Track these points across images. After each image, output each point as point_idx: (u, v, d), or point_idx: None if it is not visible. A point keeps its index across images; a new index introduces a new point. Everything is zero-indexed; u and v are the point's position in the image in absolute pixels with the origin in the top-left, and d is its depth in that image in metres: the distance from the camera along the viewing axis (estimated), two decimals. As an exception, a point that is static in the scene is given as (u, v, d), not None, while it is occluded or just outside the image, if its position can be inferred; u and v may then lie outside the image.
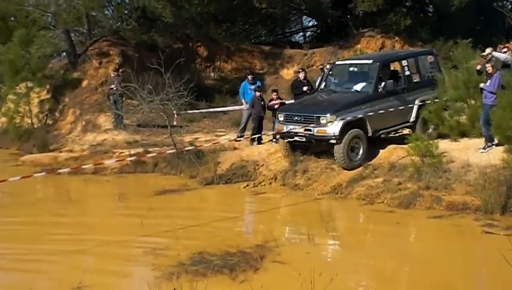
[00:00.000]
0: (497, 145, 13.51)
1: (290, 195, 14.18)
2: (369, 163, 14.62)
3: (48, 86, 25.35)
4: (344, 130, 14.35)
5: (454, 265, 9.31)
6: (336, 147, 14.47)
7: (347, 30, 28.91)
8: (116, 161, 17.36)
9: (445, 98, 15.24)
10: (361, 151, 14.73)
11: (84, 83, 25.38)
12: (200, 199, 14.78)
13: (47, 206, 14.78)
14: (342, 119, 14.39)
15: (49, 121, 24.48)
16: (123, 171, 17.80)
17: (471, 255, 10.21)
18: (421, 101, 15.79)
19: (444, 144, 14.14)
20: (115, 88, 20.93)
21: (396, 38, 27.72)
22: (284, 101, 17.54)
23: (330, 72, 16.88)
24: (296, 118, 15.14)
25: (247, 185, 15.30)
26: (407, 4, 30.24)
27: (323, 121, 14.43)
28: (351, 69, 16.46)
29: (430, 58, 16.90)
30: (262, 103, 17.53)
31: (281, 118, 15.51)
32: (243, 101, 18.91)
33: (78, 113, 23.92)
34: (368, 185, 13.65)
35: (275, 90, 17.91)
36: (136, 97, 18.50)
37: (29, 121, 23.91)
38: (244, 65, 28.30)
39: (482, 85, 13.70)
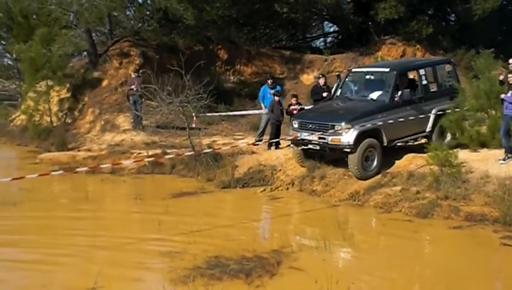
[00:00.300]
0: (517, 157, 13.36)
1: (307, 201, 14.11)
2: (387, 171, 14.51)
3: (68, 85, 25.54)
4: (359, 139, 14.16)
5: (472, 276, 9.21)
6: (350, 156, 14.32)
7: (368, 37, 28.91)
8: (134, 162, 17.36)
9: (466, 107, 15.09)
10: (375, 161, 14.57)
11: (104, 83, 25.52)
12: (216, 202, 14.73)
13: (64, 205, 14.88)
14: (357, 128, 14.20)
15: (68, 120, 24.65)
16: (140, 172, 17.81)
17: (489, 266, 10.09)
18: (438, 111, 15.55)
19: (463, 154, 13.99)
20: (135, 89, 20.96)
21: (418, 46, 27.68)
22: (303, 106, 17.50)
23: (346, 79, 16.65)
24: (310, 125, 14.95)
25: (264, 190, 15.25)
26: (429, 12, 30.12)
27: (338, 130, 14.27)
28: (368, 76, 16.31)
29: (448, 67, 16.67)
30: (281, 107, 17.47)
31: (296, 125, 15.37)
32: (262, 105, 18.82)
33: (97, 112, 24.03)
34: (385, 193, 13.55)
35: (295, 96, 17.87)
36: (156, 98, 18.52)
37: (49, 119, 24.10)
38: (264, 69, 28.34)
39: (503, 96, 13.56)
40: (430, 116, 15.48)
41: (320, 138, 14.60)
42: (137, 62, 25.85)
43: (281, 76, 27.58)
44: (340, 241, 10.67)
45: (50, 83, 24.30)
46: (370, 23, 29.37)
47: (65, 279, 9.19)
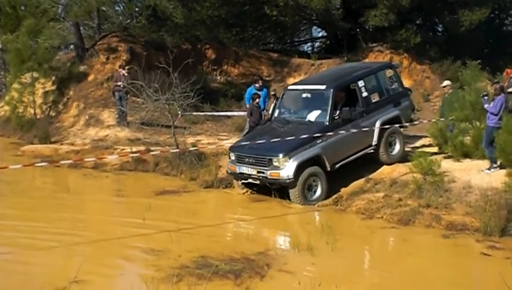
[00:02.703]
0: (500, 167, 13.46)
1: (290, 204, 14.06)
2: (370, 177, 14.58)
3: (53, 78, 25.34)
4: (299, 170, 13.54)
5: (451, 284, 9.26)
6: (290, 190, 13.77)
7: (356, 43, 29.02)
8: (119, 157, 17.29)
9: (451, 117, 15.17)
10: (319, 189, 13.97)
11: (90, 77, 25.40)
12: (199, 201, 14.67)
13: (44, 198, 14.74)
14: (295, 159, 13.58)
15: (52, 113, 24.47)
16: (123, 168, 17.74)
17: (468, 275, 10.16)
18: (382, 122, 14.92)
19: (446, 163, 14.07)
20: (121, 85, 20.87)
21: (405, 55, 27.91)
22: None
23: (283, 98, 15.89)
24: (247, 159, 14.26)
25: (247, 191, 15.20)
26: (418, 22, 30.31)
27: (275, 163, 13.64)
28: (304, 95, 15.51)
29: (390, 72, 15.96)
30: (260, 110, 17.42)
31: (233, 158, 14.68)
32: (248, 106, 18.83)
33: (81, 107, 23.90)
34: (368, 199, 13.60)
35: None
36: (142, 95, 18.48)
37: (32, 112, 23.90)
38: (252, 71, 28.40)
39: (486, 106, 13.67)
40: (374, 129, 14.83)
41: (259, 172, 13.99)
42: (124, 58, 25.74)
43: (267, 78, 27.58)
44: (324, 245, 10.69)
45: (35, 75, 24.10)
46: (358, 30, 29.59)
47: (45, 274, 9.10)
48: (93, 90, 24.56)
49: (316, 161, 13.90)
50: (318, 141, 13.86)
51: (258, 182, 14.31)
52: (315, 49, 34.15)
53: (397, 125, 15.32)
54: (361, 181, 14.56)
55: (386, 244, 11.58)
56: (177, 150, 16.80)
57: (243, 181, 14.73)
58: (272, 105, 17.24)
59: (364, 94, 14.92)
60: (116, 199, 14.92)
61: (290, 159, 13.54)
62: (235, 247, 10.51)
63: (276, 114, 15.71)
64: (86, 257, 9.75)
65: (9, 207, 13.56)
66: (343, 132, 14.22)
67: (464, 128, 15.01)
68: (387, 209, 12.99)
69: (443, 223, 12.10)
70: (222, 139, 19.93)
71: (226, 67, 29.23)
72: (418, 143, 16.89)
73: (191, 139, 19.05)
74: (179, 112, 18.63)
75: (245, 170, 14.23)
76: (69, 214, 13.16)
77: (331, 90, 14.53)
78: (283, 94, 16.02)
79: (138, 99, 20.13)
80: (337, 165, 14.25)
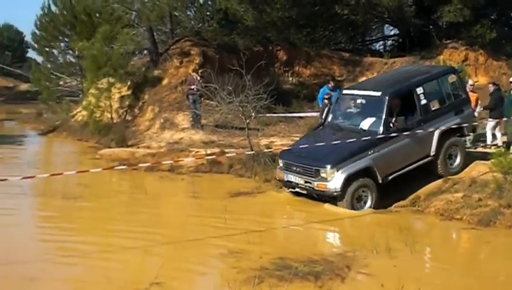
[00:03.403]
0: None
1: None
2: (448, 177, 14.27)
3: (128, 83, 25.88)
4: (347, 183, 12.97)
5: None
6: (339, 202, 13.24)
7: (429, 40, 28.50)
8: (195, 159, 17.46)
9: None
10: (369, 201, 13.33)
11: (165, 82, 25.80)
12: (274, 203, 14.63)
13: (123, 200, 15.03)
14: (344, 171, 12.99)
15: (129, 117, 24.98)
16: (198, 170, 17.88)
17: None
18: (441, 131, 14.07)
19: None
20: (195, 88, 21.12)
21: (481, 51, 27.33)
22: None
23: (337, 102, 15.44)
24: (294, 167, 13.78)
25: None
26: (493, 17, 29.57)
27: (323, 175, 13.10)
28: (358, 101, 14.85)
29: (452, 77, 14.99)
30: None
31: (281, 164, 14.33)
32: (321, 107, 18.75)
33: (156, 110, 24.30)
34: (447, 200, 13.29)
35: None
36: (215, 98, 18.64)
37: (109, 116, 24.47)
38: (323, 71, 28.29)
39: None
40: (433, 138, 14.03)
41: (306, 182, 13.50)
42: (197, 61, 26.05)
43: (339, 78, 27.41)
44: (402, 246, 10.54)
45: (111, 80, 24.69)
46: (431, 26, 29.06)
47: (126, 274, 9.28)
48: (168, 94, 24.95)
49: (366, 172, 13.27)
50: (370, 152, 13.26)
51: (305, 191, 13.83)
52: (387, 48, 33.78)
53: (459, 135, 14.62)
54: (439, 181, 14.23)
55: (466, 246, 11.36)
56: (251, 152, 16.85)
57: (291, 190, 14.35)
58: (326, 109, 16.63)
59: (423, 102, 14.08)
60: (192, 200, 15.01)
61: (338, 170, 12.96)
62: (312, 248, 10.48)
63: (329, 119, 15.19)
64: (165, 258, 9.85)
65: (88, 209, 13.86)
66: (397, 142, 13.54)
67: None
68: (466, 209, 12.67)
69: (526, 224, 11.78)
70: (295, 140, 19.88)
71: (297, 68, 29.22)
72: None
73: (264, 141, 19.10)
74: (252, 114, 18.68)
75: (292, 178, 13.84)
76: (147, 215, 13.38)
77: (387, 97, 13.79)
78: (337, 98, 15.64)
79: (212, 102, 20.33)
80: (390, 177, 13.60)
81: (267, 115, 21.66)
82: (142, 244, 10.80)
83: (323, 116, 15.97)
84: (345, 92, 15.94)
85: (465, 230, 12.02)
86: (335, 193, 13.04)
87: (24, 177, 12.76)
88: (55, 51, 33.57)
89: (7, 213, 13.11)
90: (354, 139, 13.17)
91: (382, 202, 13.62)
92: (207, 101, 21.41)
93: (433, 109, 14.27)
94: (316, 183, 13.21)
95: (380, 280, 8.65)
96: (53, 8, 32.36)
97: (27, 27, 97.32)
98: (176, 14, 29.84)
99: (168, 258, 9.92)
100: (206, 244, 10.91)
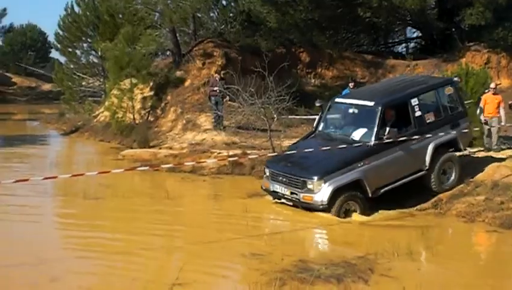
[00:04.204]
0: None
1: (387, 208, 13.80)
2: (471, 180, 14.15)
3: (151, 84, 25.99)
4: (335, 195, 12.32)
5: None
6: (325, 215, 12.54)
7: (452, 43, 28.35)
8: (217, 160, 17.46)
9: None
10: (358, 212, 12.70)
11: (187, 83, 25.90)
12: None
13: (144, 201, 15.00)
14: (331, 183, 12.31)
15: (151, 118, 25.10)
16: (220, 171, 17.86)
17: None
18: (436, 145, 13.51)
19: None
20: (217, 90, 21.16)
21: (503, 54, 27.12)
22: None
23: (329, 111, 14.59)
24: (281, 177, 13.11)
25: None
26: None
27: (310, 186, 12.42)
28: (351, 110, 14.12)
29: (449, 89, 14.33)
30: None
31: (267, 174, 13.66)
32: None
33: (179, 111, 24.39)
34: (468, 203, 13.20)
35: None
36: (238, 99, 18.66)
37: (131, 117, 24.58)
38: (346, 73, 28.27)
39: None
40: (427, 151, 13.45)
41: (292, 193, 12.80)
42: (219, 63, 26.13)
43: (362, 80, 27.40)
44: (424, 249, 10.48)
45: (134, 81, 24.79)
46: (454, 29, 28.89)
47: (148, 275, 9.28)
48: (190, 95, 25.04)
49: (356, 185, 12.62)
50: (360, 164, 12.62)
51: (291, 203, 13.13)
52: (409, 50, 33.64)
53: (455, 150, 14.10)
54: (461, 184, 14.15)
55: (488, 248, 11.25)
56: (274, 154, 16.81)
57: (277, 201, 13.67)
58: (317, 117, 15.78)
59: (418, 113, 13.44)
60: (214, 201, 15.06)
61: (325, 182, 12.30)
62: (333, 251, 10.47)
63: (320, 128, 14.47)
64: (187, 259, 9.89)
65: (110, 209, 13.91)
66: (389, 154, 12.97)
67: None
68: (488, 212, 12.56)
69: (549, 227, 11.66)
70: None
71: (320, 70, 29.24)
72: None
73: (286, 143, 19.02)
74: (275, 116, 18.67)
75: (278, 188, 13.16)
76: (168, 216, 13.39)
77: (380, 107, 13.15)
78: (329, 106, 14.68)
79: (234, 104, 20.34)
80: (382, 191, 12.94)
81: (289, 116, 21.63)
82: (163, 244, 10.85)
83: (315, 125, 15.20)
84: (337, 100, 15.01)
85: (487, 233, 11.91)
86: (321, 206, 12.41)
87: (46, 178, 12.88)
88: (78, 52, 33.89)
89: (29, 212, 13.23)
90: (344, 150, 12.75)
91: (403, 205, 13.55)
92: (229, 103, 21.43)
93: (428, 121, 13.66)
94: (302, 194, 12.55)
95: (402, 282, 8.60)
96: (76, 8, 32.69)
97: (50, 27, 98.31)
98: (199, 15, 29.94)
99: (189, 258, 9.96)
100: (227, 246, 10.89)
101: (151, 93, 25.92)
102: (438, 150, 13.57)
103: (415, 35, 34.41)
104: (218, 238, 11.30)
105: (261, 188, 14.06)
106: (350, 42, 31.61)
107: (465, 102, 15.20)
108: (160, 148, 21.10)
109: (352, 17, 28.59)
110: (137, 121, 24.56)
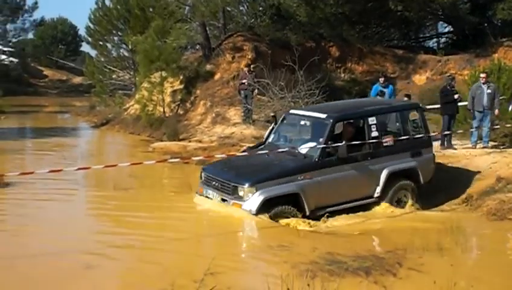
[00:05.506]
0: None
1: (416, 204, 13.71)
2: (502, 177, 14.01)
3: (181, 77, 26.13)
4: (264, 207, 11.12)
5: None
6: None
7: (484, 38, 28.04)
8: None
9: None
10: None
11: (217, 76, 25.99)
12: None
13: (172, 192, 15.08)
14: (263, 192, 11.15)
15: (180, 111, 25.24)
16: (249, 164, 17.90)
17: None
18: (390, 172, 12.42)
19: None
20: (246, 83, 21.19)
21: (536, 50, 26.73)
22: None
23: (283, 122, 13.54)
24: (214, 182, 12.00)
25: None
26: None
27: (240, 193, 11.30)
28: (303, 122, 13.12)
29: (414, 114, 13.50)
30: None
31: (203, 178, 12.53)
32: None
33: (208, 105, 24.49)
34: (499, 200, 13.00)
35: (408, 95, 17.56)
36: (268, 93, 18.69)
37: (161, 110, 24.72)
38: (376, 68, 28.16)
39: None
40: (380, 178, 12.36)
41: (222, 200, 11.70)
42: (249, 57, 26.20)
43: (392, 75, 27.26)
44: (453, 245, 10.41)
45: (164, 74, 24.92)
46: (486, 24, 28.61)
47: (180, 265, 9.35)
48: (220, 89, 25.12)
49: (293, 199, 11.46)
50: (299, 177, 11.49)
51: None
52: (441, 45, 33.35)
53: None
54: (492, 180, 13.99)
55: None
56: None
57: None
58: (269, 128, 15.18)
59: (374, 134, 12.31)
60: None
61: (257, 191, 11.17)
62: (361, 245, 10.36)
63: (270, 139, 13.54)
64: (217, 250, 9.92)
65: (138, 200, 13.93)
66: (335, 173, 11.89)
67: None
68: (519, 210, 12.47)
69: None
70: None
71: (350, 64, 29.17)
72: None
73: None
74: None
75: (210, 194, 12.03)
76: (198, 207, 13.39)
77: (331, 120, 12.08)
78: (283, 118, 13.66)
79: (263, 98, 20.36)
80: (323, 212, 11.70)
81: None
82: (192, 235, 10.85)
83: (265, 136, 14.53)
84: (291, 111, 13.99)
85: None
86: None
87: (79, 168, 13.02)
88: (108, 45, 33.99)
89: (60, 202, 13.39)
90: (288, 160, 12.00)
91: (433, 201, 13.40)
92: (259, 96, 21.46)
93: (385, 144, 12.52)
94: (231, 201, 11.48)
95: (432, 277, 8.55)
96: (107, 2, 32.84)
97: (81, 21, 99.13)
98: (229, 9, 30.04)
99: (219, 250, 9.97)
100: (256, 237, 10.93)
101: (181, 86, 26.07)
102: (393, 178, 12.52)
103: (446, 30, 34.23)
104: (245, 231, 11.32)
105: (196, 193, 12.82)
106: (380, 37, 31.51)
107: (500, 98, 14.84)
108: (189, 141, 21.23)
109: (382, 11, 28.49)
110: (167, 114, 24.71)
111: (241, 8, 31.66)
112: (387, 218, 12.40)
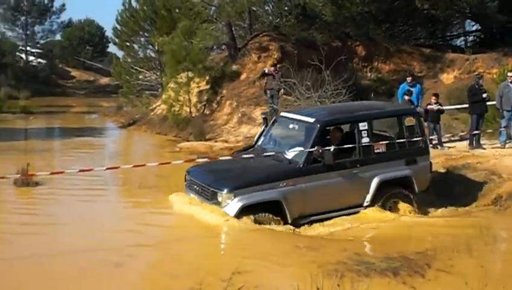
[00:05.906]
0: None
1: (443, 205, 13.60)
2: (532, 176, 13.89)
3: (207, 77, 26.23)
4: (244, 214, 10.62)
5: None
6: None
7: (512, 37, 27.78)
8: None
9: None
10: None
11: (243, 76, 26.06)
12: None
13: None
14: (242, 199, 10.62)
15: (207, 111, 25.34)
16: (276, 164, 17.89)
17: None
18: (382, 180, 11.78)
19: None
20: (273, 83, 21.18)
21: None
22: (442, 107, 17.07)
23: (273, 125, 13.08)
24: (195, 186, 11.58)
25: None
26: None
27: (219, 198, 10.78)
28: (291, 126, 12.43)
29: (410, 120, 12.76)
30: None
31: (186, 181, 12.12)
32: (400, 103, 18.48)
33: (234, 105, 24.55)
34: (529, 200, 12.97)
35: (436, 94, 17.44)
36: (294, 92, 18.67)
37: (188, 110, 24.85)
38: (403, 67, 28.04)
39: None
40: (370, 186, 11.71)
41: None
42: (275, 56, 26.17)
43: (419, 74, 27.08)
44: (482, 246, 10.32)
45: (190, 74, 25.05)
46: (514, 22, 28.33)
47: (208, 263, 9.35)
48: (246, 89, 25.16)
49: (274, 207, 10.91)
50: (282, 184, 10.92)
51: None
52: (468, 44, 33.09)
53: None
54: (521, 179, 13.88)
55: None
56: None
57: None
58: (259, 131, 14.40)
59: (365, 140, 11.67)
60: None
61: (235, 197, 10.67)
62: (390, 246, 10.28)
63: (259, 142, 12.98)
64: (245, 249, 9.92)
65: (165, 200, 14.00)
66: (322, 180, 11.28)
67: None
68: (549, 210, 12.34)
69: None
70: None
71: (376, 63, 29.03)
72: None
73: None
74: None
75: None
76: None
77: (318, 125, 11.52)
78: (274, 120, 13.30)
79: (290, 98, 20.34)
80: (306, 221, 11.20)
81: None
82: (221, 234, 10.87)
83: (255, 139, 13.77)
84: (282, 114, 13.61)
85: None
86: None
87: (108, 168, 13.12)
88: (135, 46, 34.26)
89: (90, 201, 13.46)
90: (272, 166, 11.48)
91: (462, 201, 13.30)
92: (285, 96, 21.43)
93: (376, 151, 11.90)
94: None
95: (463, 278, 8.49)
96: (134, 3, 33.07)
97: (108, 22, 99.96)
98: (254, 9, 30.07)
99: (248, 248, 9.97)
100: (283, 237, 10.88)
101: (207, 86, 26.16)
102: (384, 187, 11.90)
103: (474, 28, 33.88)
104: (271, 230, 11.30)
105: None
106: (407, 35, 31.32)
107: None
108: (215, 141, 21.33)
109: (409, 9, 28.31)
110: (193, 114, 24.82)
111: (266, 8, 31.70)
112: (411, 220, 12.33)
